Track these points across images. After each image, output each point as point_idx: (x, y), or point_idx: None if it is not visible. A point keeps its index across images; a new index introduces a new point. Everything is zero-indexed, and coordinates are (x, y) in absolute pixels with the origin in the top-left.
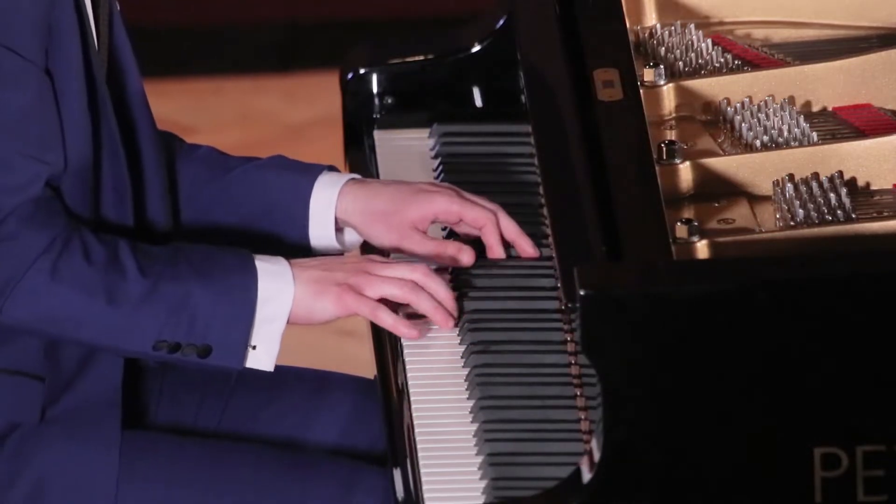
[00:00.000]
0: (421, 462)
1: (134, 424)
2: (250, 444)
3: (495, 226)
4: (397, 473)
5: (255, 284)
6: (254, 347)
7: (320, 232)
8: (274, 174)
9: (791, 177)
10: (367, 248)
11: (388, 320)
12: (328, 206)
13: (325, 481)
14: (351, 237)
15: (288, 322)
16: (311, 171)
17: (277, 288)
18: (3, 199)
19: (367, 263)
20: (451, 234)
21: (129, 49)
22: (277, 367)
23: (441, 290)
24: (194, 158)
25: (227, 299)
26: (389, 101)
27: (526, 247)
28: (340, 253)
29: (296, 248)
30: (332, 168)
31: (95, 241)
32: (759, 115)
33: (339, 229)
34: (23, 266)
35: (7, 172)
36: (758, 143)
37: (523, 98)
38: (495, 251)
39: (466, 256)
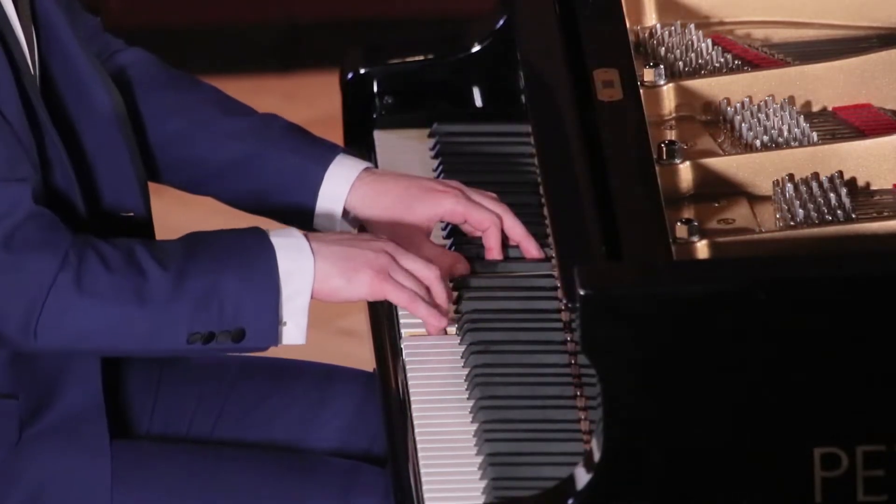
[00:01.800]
0: (421, 462)
1: (130, 428)
2: (248, 445)
3: (498, 229)
4: (397, 473)
5: (275, 263)
6: (284, 324)
7: (324, 223)
8: (281, 157)
9: (791, 177)
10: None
11: (423, 311)
12: (338, 199)
13: (325, 481)
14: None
15: (312, 297)
16: (321, 160)
17: (297, 264)
18: None
19: (388, 246)
20: (454, 232)
21: (79, 55)
22: (277, 364)
23: (443, 296)
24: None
25: (252, 283)
26: (389, 101)
27: (531, 249)
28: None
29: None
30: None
31: (108, 246)
32: (759, 115)
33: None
34: (42, 288)
35: None
36: (758, 143)
37: (523, 98)
38: (494, 254)
39: (462, 268)
